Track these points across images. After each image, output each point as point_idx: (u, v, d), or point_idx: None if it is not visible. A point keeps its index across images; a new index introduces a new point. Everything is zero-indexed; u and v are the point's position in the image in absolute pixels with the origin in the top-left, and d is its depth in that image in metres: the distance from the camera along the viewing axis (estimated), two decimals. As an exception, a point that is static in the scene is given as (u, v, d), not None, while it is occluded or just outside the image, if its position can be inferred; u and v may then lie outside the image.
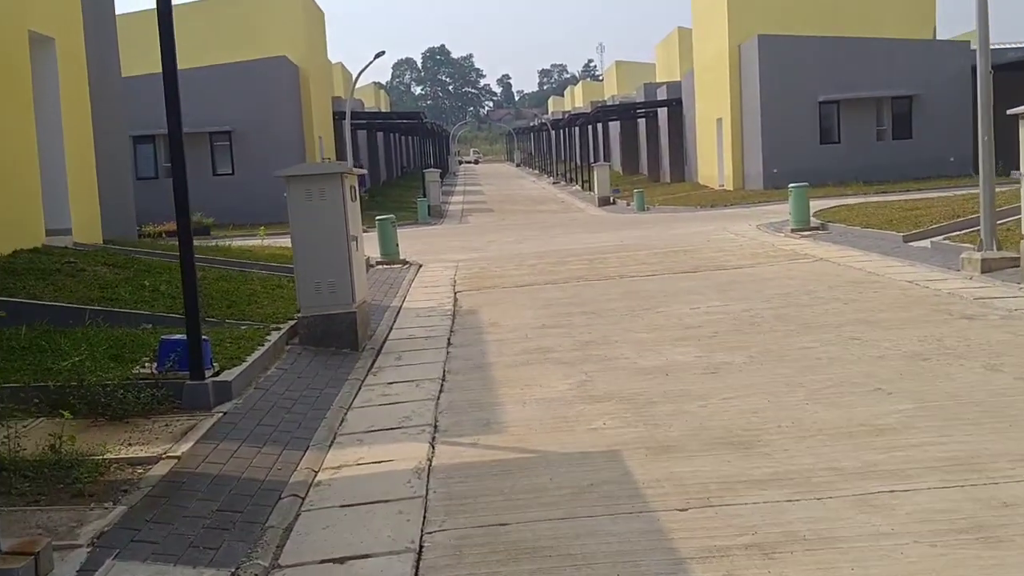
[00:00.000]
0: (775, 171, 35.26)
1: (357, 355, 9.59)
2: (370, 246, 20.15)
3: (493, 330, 10.56)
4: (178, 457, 6.22)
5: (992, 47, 39.48)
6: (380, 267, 17.70)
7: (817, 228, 18.53)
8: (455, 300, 13.14)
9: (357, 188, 10.36)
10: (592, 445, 6.02)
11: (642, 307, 11.25)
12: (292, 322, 10.09)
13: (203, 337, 7.67)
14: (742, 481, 5.15)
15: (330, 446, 6.51)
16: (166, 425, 6.98)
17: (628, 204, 38.33)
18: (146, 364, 7.97)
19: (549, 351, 9.15)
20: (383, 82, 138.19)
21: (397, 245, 18.32)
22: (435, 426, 6.80)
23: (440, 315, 11.88)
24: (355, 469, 5.92)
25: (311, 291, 9.78)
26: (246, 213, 34.70)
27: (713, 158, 40.90)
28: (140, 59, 38.04)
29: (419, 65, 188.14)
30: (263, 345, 9.13)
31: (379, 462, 6.01)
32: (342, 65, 64.67)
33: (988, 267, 11.47)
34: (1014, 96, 16.07)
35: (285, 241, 19.83)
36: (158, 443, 6.55)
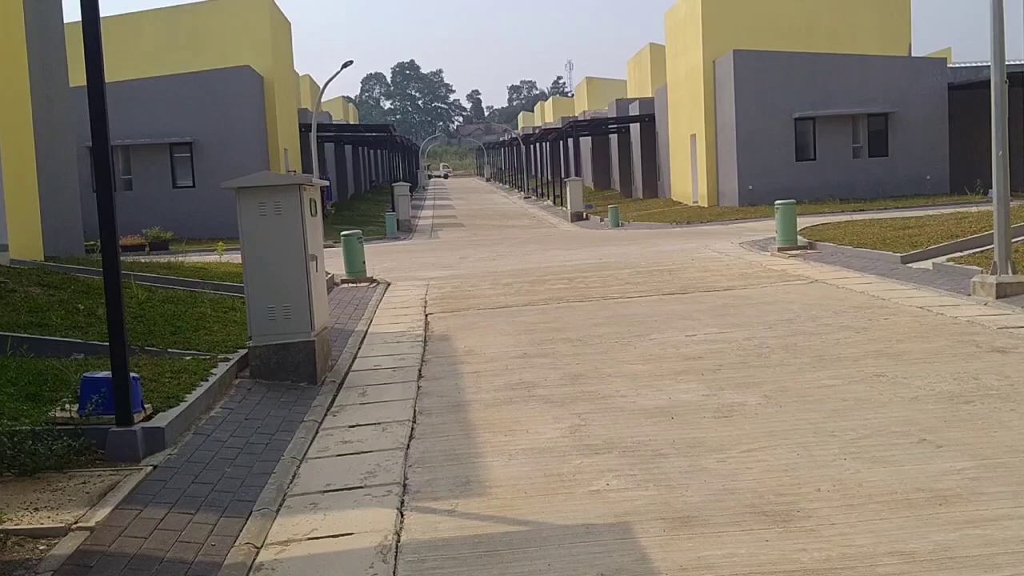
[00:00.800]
0: (750, 188, 34.62)
1: (316, 390, 8.49)
2: (335, 263, 19.06)
3: (469, 359, 9.51)
4: (90, 528, 5.09)
5: (971, 64, 38.70)
6: (345, 286, 16.58)
7: (805, 247, 17.70)
8: (426, 324, 12.07)
9: (319, 202, 9.28)
10: (596, 515, 4.98)
11: (633, 334, 10.25)
12: (243, 352, 8.97)
13: (132, 375, 6.53)
14: (790, 572, 4.13)
15: (278, 511, 5.41)
16: (83, 483, 5.84)
17: (602, 220, 37.50)
18: (66, 405, 6.81)
19: (534, 386, 8.10)
20: (352, 96, 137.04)
21: (364, 262, 17.21)
22: (404, 485, 5.72)
23: (410, 341, 10.80)
24: (306, 546, 4.83)
25: (263, 317, 8.67)
26: (207, 227, 33.37)
27: (687, 174, 40.20)
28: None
29: (388, 80, 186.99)
30: (207, 380, 8.01)
31: (336, 536, 4.92)
32: (310, 78, 63.46)
33: (1004, 292, 10.62)
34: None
35: (244, 258, 18.73)
36: (70, 507, 5.42)
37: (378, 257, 23.53)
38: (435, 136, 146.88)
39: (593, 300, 13.11)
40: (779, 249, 17.55)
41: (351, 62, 28.16)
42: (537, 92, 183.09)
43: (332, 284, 16.69)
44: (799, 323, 10.21)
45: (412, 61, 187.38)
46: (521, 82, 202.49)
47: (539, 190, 62.18)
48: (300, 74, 57.88)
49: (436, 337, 11.02)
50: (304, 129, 40.75)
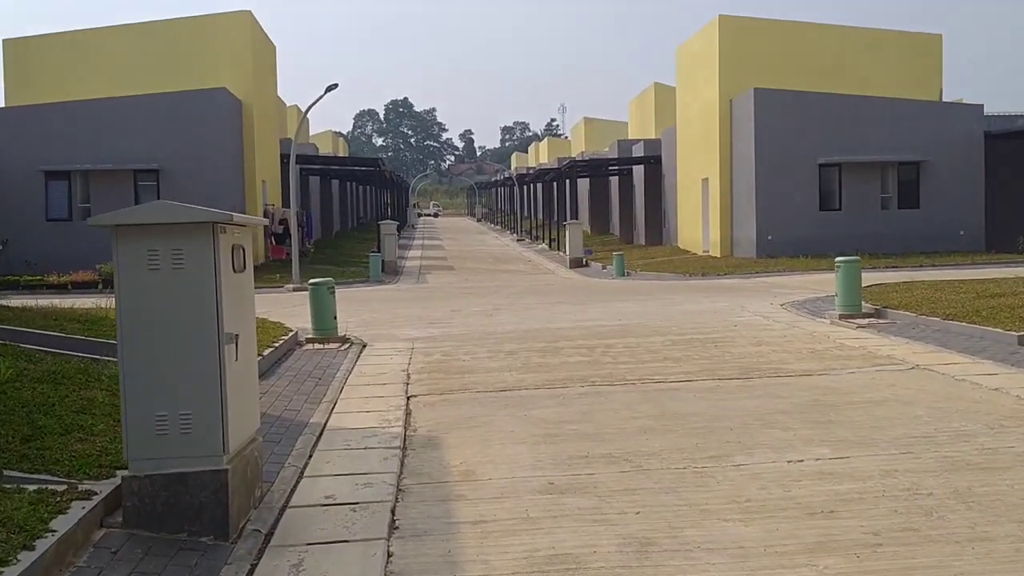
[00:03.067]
0: (770, 238, 31.75)
1: (226, 553, 5.30)
2: (302, 316, 15.91)
3: (468, 493, 6.34)
4: None
5: (1001, 114, 35.86)
6: (311, 347, 13.41)
7: (871, 315, 14.66)
8: (407, 414, 8.91)
9: (247, 251, 6.15)
10: None
11: (704, 451, 7.11)
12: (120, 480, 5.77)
13: None
14: None
15: None
16: None
17: (604, 268, 34.53)
18: None
19: (578, 567, 4.93)
20: (344, 132, 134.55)
21: (335, 317, 14.05)
22: None
23: (383, 447, 7.62)
24: None
25: (148, 431, 5.48)
26: (171, 263, 30.15)
27: (696, 221, 37.33)
28: (52, 87, 33.73)
29: (381, 116, 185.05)
30: (46, 536, 4.85)
31: None
32: (298, 108, 60.67)
33: None
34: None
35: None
36: None
37: (357, 306, 20.38)
38: (426, 174, 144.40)
39: (627, 384, 9.98)
40: (841, 316, 14.49)
41: (335, 85, 25.29)
42: (530, 134, 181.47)
43: (295, 344, 13.53)
44: (946, 443, 7.09)
45: (406, 99, 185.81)
46: (514, 123, 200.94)
47: (533, 232, 59.30)
48: (288, 104, 55.11)
49: (419, 442, 7.84)
50: (287, 160, 37.77)
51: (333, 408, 9.21)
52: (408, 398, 9.71)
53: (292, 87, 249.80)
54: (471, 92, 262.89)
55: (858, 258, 15.24)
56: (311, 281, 14.08)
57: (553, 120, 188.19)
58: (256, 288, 22.84)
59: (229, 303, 5.62)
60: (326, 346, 13.42)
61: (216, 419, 5.49)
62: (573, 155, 69.33)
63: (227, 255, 5.65)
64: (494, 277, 32.14)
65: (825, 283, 23.64)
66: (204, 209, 5.54)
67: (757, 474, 6.46)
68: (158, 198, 30.88)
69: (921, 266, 28.27)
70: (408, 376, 11.02)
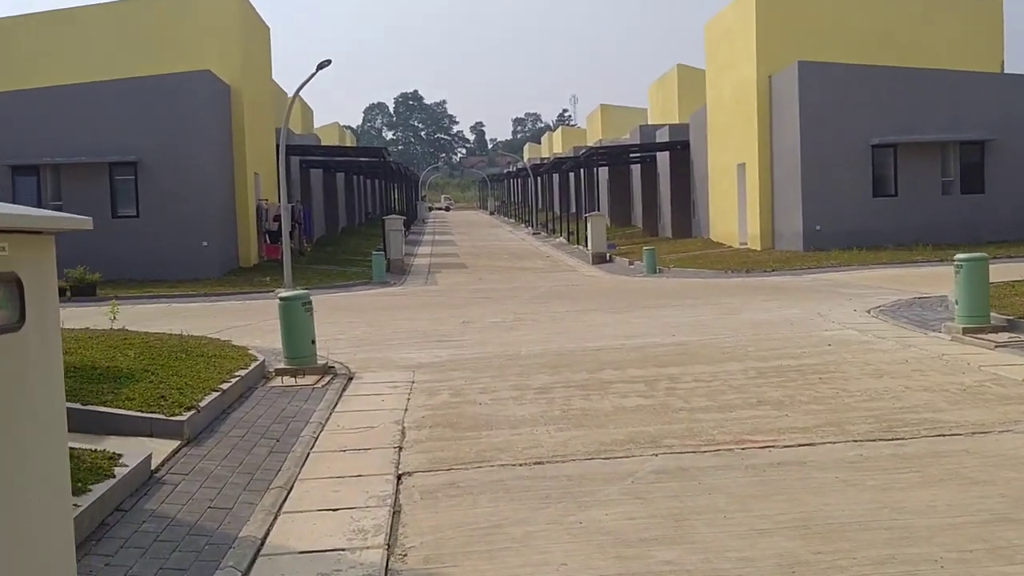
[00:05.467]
0: (818, 229, 28.41)
1: None
2: (273, 338, 12.79)
3: None
4: None
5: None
6: (279, 383, 10.24)
7: (1003, 327, 11.37)
8: (394, 515, 5.73)
9: (26, 291, 2.91)
10: None
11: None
12: None
13: None
14: None
15: None
16: None
17: (631, 264, 31.28)
18: None
19: None
20: (354, 126, 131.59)
21: (313, 341, 10.87)
22: None
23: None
24: None
25: None
26: (151, 266, 27.09)
27: (731, 211, 33.98)
28: (19, 73, 30.67)
29: (391, 110, 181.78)
30: None
31: None
32: (301, 98, 57.58)
33: None
34: None
35: (186, 317, 12.39)
36: None
37: (352, 316, 17.23)
38: (437, 166, 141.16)
39: (721, 450, 6.76)
40: (965, 331, 11.19)
41: (328, 62, 22.15)
42: (542, 125, 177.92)
43: (261, 377, 10.38)
44: None
45: (416, 91, 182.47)
46: (525, 115, 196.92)
47: (549, 225, 56.08)
48: (289, 95, 51.96)
49: (411, 570, 4.66)
50: (286, 152, 34.61)
51: (283, 504, 6.02)
52: (399, 478, 6.53)
53: (297, 79, 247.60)
54: (481, 84, 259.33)
55: (985, 255, 11.91)
56: (280, 295, 10.88)
57: (565, 111, 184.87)
58: (243, 293, 19.11)
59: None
60: (298, 381, 10.24)
61: None
62: (589, 144, 65.99)
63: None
64: (511, 276, 28.95)
65: (895, 280, 20.36)
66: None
67: None
68: (136, 193, 27.83)
69: (997, 258, 24.89)
70: (403, 433, 7.83)
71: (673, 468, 6.40)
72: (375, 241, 38.58)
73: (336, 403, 9.18)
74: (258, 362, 10.62)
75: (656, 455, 6.74)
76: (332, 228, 48.82)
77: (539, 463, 6.71)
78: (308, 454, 7.26)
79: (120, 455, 6.31)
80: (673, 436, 7.23)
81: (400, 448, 7.34)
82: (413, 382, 10.15)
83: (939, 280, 19.66)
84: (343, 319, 17.01)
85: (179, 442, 7.28)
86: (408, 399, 9.22)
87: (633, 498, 5.80)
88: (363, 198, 66.95)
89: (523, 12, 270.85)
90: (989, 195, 28.77)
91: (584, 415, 8.11)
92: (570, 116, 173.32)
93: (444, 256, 38.75)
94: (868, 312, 14.18)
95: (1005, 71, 31.61)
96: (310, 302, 10.87)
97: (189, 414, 7.62)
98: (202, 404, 8.00)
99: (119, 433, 7.29)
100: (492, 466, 6.72)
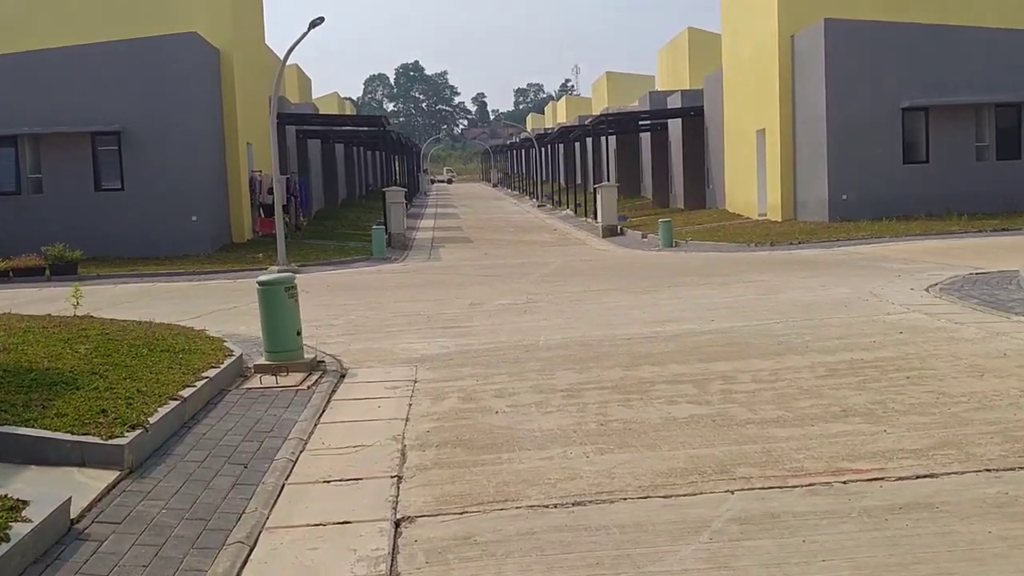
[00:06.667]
0: (844, 198, 26.72)
1: None
2: (253, 323, 11.20)
3: None
4: None
5: None
6: (259, 383, 8.67)
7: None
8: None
9: None
10: None
11: None
12: None
13: None
14: None
15: None
16: None
17: (644, 237, 29.63)
18: None
19: None
20: (355, 97, 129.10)
21: (299, 333, 9.28)
22: None
23: None
24: None
25: None
26: (136, 242, 25.48)
27: (750, 180, 32.26)
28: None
29: (392, 81, 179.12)
30: None
31: None
32: (298, 67, 55.69)
33: None
34: None
35: (169, 298, 10.92)
36: None
37: (348, 297, 15.67)
38: (438, 138, 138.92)
39: (813, 484, 5.20)
40: (1059, 315, 9.60)
41: (321, 19, 20.44)
42: (544, 96, 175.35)
43: (237, 376, 8.83)
44: None
45: (416, 62, 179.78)
46: (528, 85, 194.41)
47: (555, 197, 54.35)
48: (287, 64, 49.98)
49: None
50: (278, 121, 32.89)
51: (241, 571, 4.46)
52: (397, 526, 4.97)
53: (296, 51, 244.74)
54: (483, 54, 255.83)
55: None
56: (259, 280, 9.26)
57: (568, 81, 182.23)
58: (234, 271, 17.10)
59: None
60: (280, 381, 8.66)
61: None
62: (595, 113, 64.04)
63: None
64: (519, 251, 27.33)
65: (937, 253, 18.73)
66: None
67: None
68: (120, 165, 26.16)
69: (1042, 228, 23.27)
70: (402, 454, 6.27)
71: (759, 514, 4.83)
72: (376, 215, 36.97)
73: (323, 410, 7.62)
74: (234, 358, 9.05)
75: (732, 492, 5.17)
76: (332, 201, 47.16)
77: (580, 503, 5.15)
78: (283, 486, 5.71)
79: (26, 502, 4.75)
80: (748, 462, 5.66)
81: (399, 478, 5.78)
82: (415, 381, 8.59)
83: (988, 252, 18.05)
84: (339, 300, 15.44)
85: (118, 473, 5.73)
86: (409, 405, 7.66)
87: (717, 568, 4.23)
88: (363, 170, 65.16)
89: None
90: (1026, 161, 27.04)
91: (627, 429, 6.54)
92: (573, 86, 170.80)
93: (447, 230, 37.12)
94: (927, 291, 12.57)
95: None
96: (295, 286, 9.27)
97: (133, 435, 6.05)
98: (152, 420, 6.43)
99: (42, 461, 5.75)
100: (518, 507, 5.16)
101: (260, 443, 6.67)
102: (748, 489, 5.21)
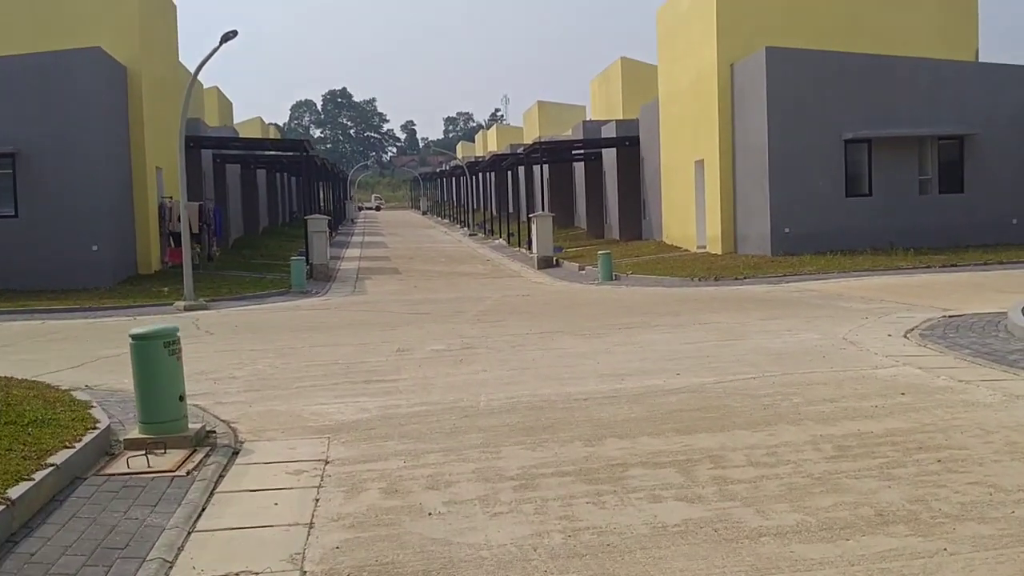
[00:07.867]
0: (787, 231, 25.81)
1: None
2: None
3: None
4: None
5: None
6: (127, 466, 6.84)
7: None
8: None
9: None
10: None
11: None
12: None
13: None
14: None
15: None
16: None
17: (581, 269, 28.34)
18: None
19: None
20: (280, 123, 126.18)
21: (182, 397, 7.47)
22: None
23: None
24: None
25: None
26: (32, 274, 23.10)
27: (688, 212, 31.27)
28: None
29: (319, 108, 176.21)
30: None
31: None
32: (219, 90, 53.39)
33: None
34: None
35: (53, 340, 8.92)
36: None
37: (256, 341, 13.82)
38: (366, 165, 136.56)
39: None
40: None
41: (234, 33, 18.67)
42: (474, 125, 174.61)
43: (97, 458, 7.01)
44: None
45: (344, 88, 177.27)
46: (457, 114, 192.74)
47: (487, 226, 52.95)
48: (206, 86, 47.74)
49: None
50: (192, 144, 30.78)
51: None
52: None
53: (219, 73, 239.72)
54: (412, 82, 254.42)
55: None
56: (132, 332, 7.43)
57: (497, 110, 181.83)
58: (135, 307, 14.46)
59: None
60: (153, 463, 6.85)
61: None
62: (526, 142, 62.98)
63: None
64: (451, 283, 25.70)
65: (890, 290, 17.69)
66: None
67: None
68: (14, 189, 23.78)
69: (987, 264, 22.59)
70: (302, 589, 4.56)
71: None
72: (299, 244, 34.97)
73: (202, 509, 5.86)
74: (97, 432, 7.21)
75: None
76: (252, 229, 44.90)
77: None
78: (122, 653, 3.95)
79: None
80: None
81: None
82: (326, 462, 6.88)
83: (946, 291, 17.08)
84: (246, 345, 13.59)
85: None
86: (316, 501, 5.95)
87: None
88: (287, 197, 62.83)
89: (450, 8, 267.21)
90: (968, 195, 26.56)
91: (605, 547, 4.94)
92: (503, 116, 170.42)
93: (374, 260, 35.30)
94: (906, 337, 11.33)
95: (979, 60, 29.44)
96: (176, 340, 7.48)
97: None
98: (-53, 546, 4.60)
99: None
100: None
101: (108, 568, 4.89)
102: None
